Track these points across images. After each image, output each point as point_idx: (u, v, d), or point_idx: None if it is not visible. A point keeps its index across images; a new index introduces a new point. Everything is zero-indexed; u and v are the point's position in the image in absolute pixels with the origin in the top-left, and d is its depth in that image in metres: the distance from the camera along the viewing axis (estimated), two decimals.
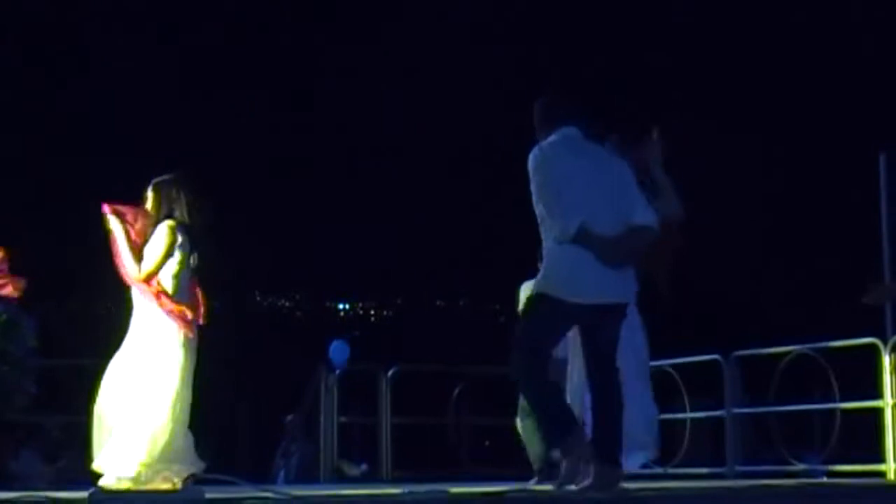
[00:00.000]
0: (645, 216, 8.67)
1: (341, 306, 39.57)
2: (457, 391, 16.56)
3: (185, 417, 9.98)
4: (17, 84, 28.04)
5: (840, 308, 15.37)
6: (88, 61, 31.27)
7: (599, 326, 8.71)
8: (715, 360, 14.56)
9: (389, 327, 37.38)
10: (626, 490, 8.47)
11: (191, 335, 9.77)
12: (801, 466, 14.29)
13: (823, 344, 14.37)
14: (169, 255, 9.74)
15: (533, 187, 8.66)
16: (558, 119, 8.96)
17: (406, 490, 8.27)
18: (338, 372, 16.19)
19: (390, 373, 16.21)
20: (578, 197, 8.56)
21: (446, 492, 8.07)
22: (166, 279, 9.73)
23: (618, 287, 8.66)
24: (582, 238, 8.49)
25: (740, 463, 14.54)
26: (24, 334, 14.87)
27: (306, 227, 31.61)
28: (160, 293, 9.78)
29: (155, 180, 10.09)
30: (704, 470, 14.31)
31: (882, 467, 13.17)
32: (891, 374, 13.18)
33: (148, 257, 9.80)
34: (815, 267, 25.18)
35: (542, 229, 8.67)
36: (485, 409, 16.64)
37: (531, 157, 8.73)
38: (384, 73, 33.27)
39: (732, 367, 14.65)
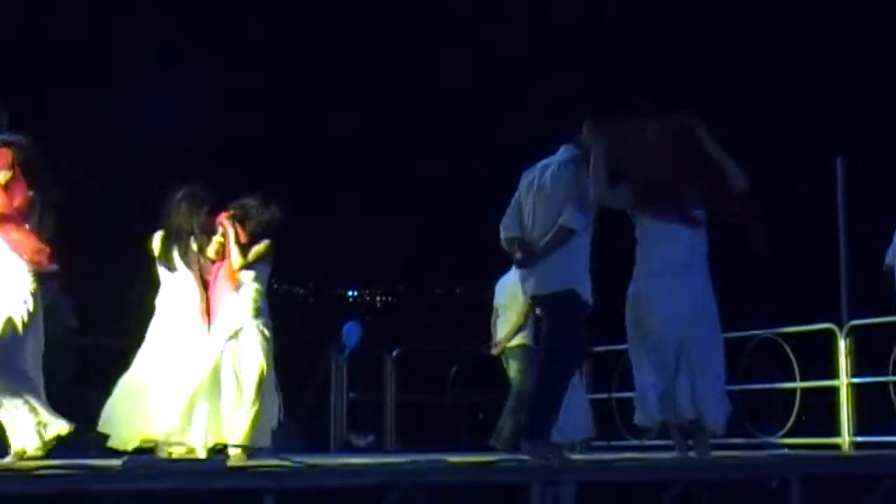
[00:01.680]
0: (563, 218, 9.03)
1: (350, 293, 39.61)
2: (454, 370, 16.60)
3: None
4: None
5: (802, 297, 15.41)
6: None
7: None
8: None
9: (394, 312, 37.40)
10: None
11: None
12: (765, 439, 14.35)
13: (786, 329, 14.44)
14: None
15: None
16: (565, 138, 9.39)
17: (408, 459, 8.31)
18: (347, 352, 16.23)
19: (394, 353, 16.25)
20: (526, 210, 9.23)
21: (445, 461, 8.10)
22: None
23: (531, 282, 9.21)
24: (507, 247, 9.34)
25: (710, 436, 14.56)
26: (63, 315, 14.93)
27: (320, 222, 31.59)
28: None
29: None
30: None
31: (838, 440, 13.24)
32: (846, 356, 13.27)
33: None
34: (782, 259, 25.17)
35: None
36: (479, 386, 16.68)
37: None
38: (389, 66, 32.95)
39: None
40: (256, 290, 10.59)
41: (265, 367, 10.46)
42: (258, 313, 10.56)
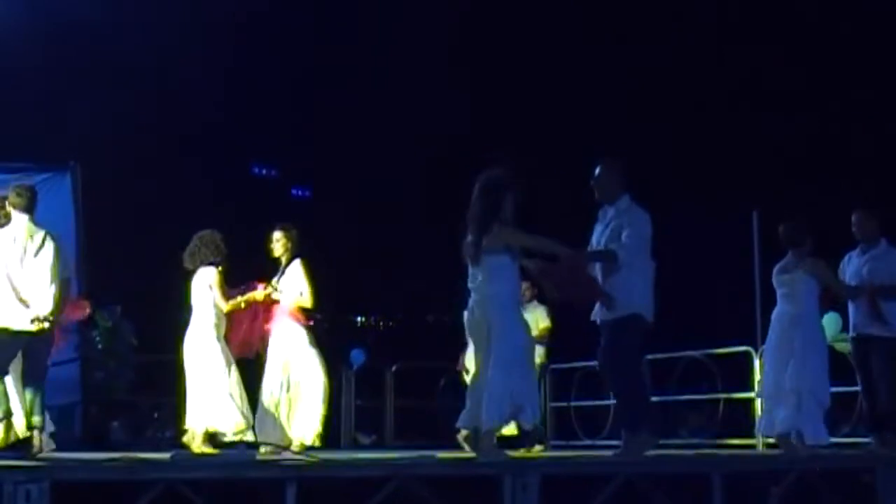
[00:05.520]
0: None
1: (358, 319, 39.50)
2: (442, 382, 16.58)
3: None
4: None
5: (725, 325, 15.40)
6: None
7: None
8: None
9: (393, 335, 37.34)
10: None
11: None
12: (693, 440, 14.35)
13: (711, 350, 14.45)
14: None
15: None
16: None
17: (404, 455, 8.31)
18: (354, 369, 16.28)
19: (393, 368, 16.27)
20: None
21: (434, 456, 8.12)
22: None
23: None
24: None
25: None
26: (124, 336, 14.95)
27: (333, 266, 31.53)
28: None
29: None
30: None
31: (753, 441, 13.22)
32: (760, 372, 13.24)
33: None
34: (708, 293, 25.08)
35: None
36: (463, 396, 16.63)
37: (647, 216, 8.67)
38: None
39: (645, 367, 14.67)
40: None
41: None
42: None
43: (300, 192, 42.01)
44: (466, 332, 8.75)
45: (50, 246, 8.93)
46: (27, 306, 8.77)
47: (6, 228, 8.93)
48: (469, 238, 8.24)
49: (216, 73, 31.67)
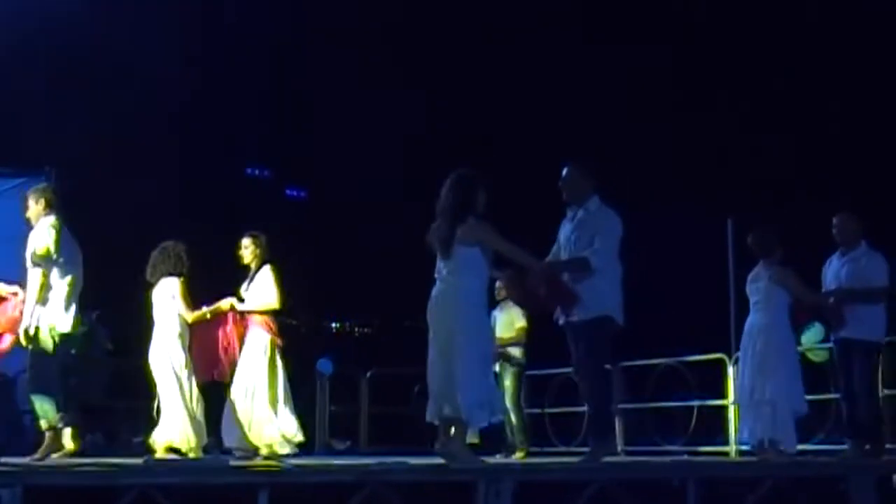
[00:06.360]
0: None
1: (333, 325, 39.44)
2: (416, 388, 16.53)
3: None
4: None
5: (699, 332, 15.39)
6: None
7: None
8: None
9: (368, 340, 37.27)
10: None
11: None
12: (668, 447, 14.34)
13: (685, 358, 14.45)
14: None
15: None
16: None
17: (378, 461, 8.26)
18: (325, 377, 16.23)
19: (368, 374, 16.22)
20: None
21: (408, 462, 8.08)
22: None
23: None
24: None
25: (624, 444, 14.56)
26: (100, 341, 14.84)
27: (309, 269, 31.48)
28: None
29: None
30: None
31: (727, 449, 13.23)
32: (734, 379, 13.25)
33: None
34: (683, 302, 25.10)
35: None
36: None
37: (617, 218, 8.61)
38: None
39: (619, 374, 14.68)
40: None
41: None
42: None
43: (295, 193, 41.96)
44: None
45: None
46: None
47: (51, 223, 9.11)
48: (439, 230, 8.12)
49: (211, 73, 31.54)
